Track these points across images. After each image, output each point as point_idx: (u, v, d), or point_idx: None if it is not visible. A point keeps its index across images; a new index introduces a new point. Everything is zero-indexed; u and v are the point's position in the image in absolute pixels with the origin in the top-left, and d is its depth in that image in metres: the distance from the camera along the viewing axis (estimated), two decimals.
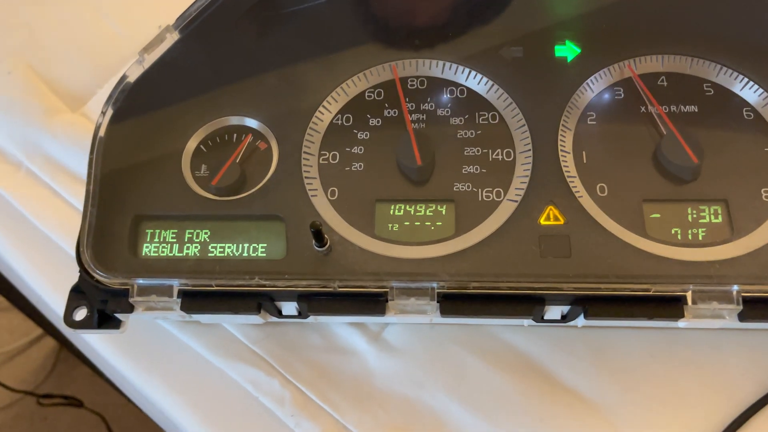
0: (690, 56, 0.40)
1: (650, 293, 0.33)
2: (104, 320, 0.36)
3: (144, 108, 0.38)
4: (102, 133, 0.37)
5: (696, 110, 0.38)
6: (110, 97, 0.36)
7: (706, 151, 0.37)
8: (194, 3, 0.37)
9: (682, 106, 0.39)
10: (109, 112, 0.37)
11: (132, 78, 0.37)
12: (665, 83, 0.39)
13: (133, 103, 0.37)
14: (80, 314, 0.36)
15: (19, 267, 0.44)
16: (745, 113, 0.38)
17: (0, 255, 0.44)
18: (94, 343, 0.42)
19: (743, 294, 0.33)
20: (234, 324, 0.40)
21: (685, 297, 0.33)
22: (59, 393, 1.04)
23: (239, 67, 0.40)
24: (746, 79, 0.39)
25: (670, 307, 0.33)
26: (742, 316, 0.33)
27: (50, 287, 0.43)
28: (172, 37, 0.36)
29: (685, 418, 0.36)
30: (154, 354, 0.40)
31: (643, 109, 0.39)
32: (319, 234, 0.34)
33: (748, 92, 0.39)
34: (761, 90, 0.38)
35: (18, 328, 1.10)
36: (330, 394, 0.37)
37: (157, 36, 0.36)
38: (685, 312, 0.33)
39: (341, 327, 0.39)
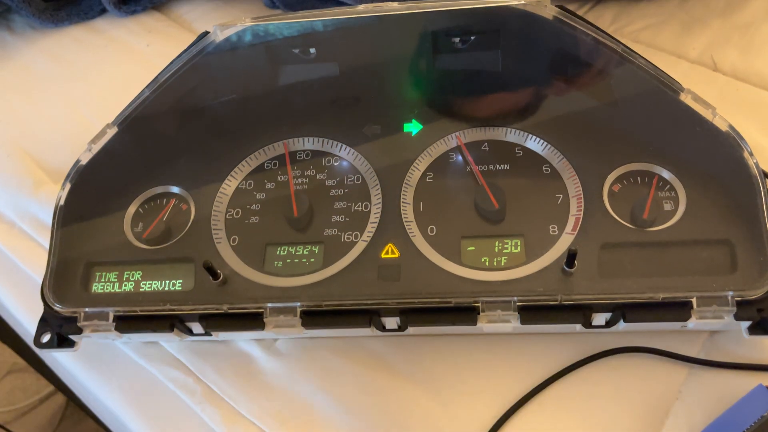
0: (505, 127, 0.52)
1: (451, 305, 0.45)
2: (62, 342, 0.49)
3: (93, 183, 0.51)
4: (62, 202, 0.50)
5: (508, 168, 0.51)
6: (68, 176, 0.50)
7: (513, 198, 0.49)
8: (127, 106, 0.51)
9: (498, 165, 0.51)
10: (67, 187, 0.50)
11: (84, 161, 0.51)
12: (487, 148, 0.52)
13: (85, 180, 0.51)
14: (45, 338, 0.49)
15: (11, 306, 0.57)
16: (544, 168, 0.50)
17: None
18: (65, 362, 0.54)
19: (519, 303, 0.44)
20: (166, 340, 0.52)
21: (478, 306, 0.44)
22: None
23: (165, 149, 0.53)
24: (547, 144, 0.51)
25: (467, 314, 0.44)
26: (523, 320, 0.44)
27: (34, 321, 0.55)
28: (112, 131, 0.50)
29: (498, 388, 0.47)
30: (108, 363, 0.53)
31: (468, 168, 0.51)
32: (210, 270, 0.46)
33: (549, 154, 0.51)
34: (557, 151, 0.50)
35: (30, 387, 1.21)
36: (227, 388, 0.49)
37: (101, 131, 0.50)
38: (479, 319, 0.44)
39: (244, 341, 0.52)
